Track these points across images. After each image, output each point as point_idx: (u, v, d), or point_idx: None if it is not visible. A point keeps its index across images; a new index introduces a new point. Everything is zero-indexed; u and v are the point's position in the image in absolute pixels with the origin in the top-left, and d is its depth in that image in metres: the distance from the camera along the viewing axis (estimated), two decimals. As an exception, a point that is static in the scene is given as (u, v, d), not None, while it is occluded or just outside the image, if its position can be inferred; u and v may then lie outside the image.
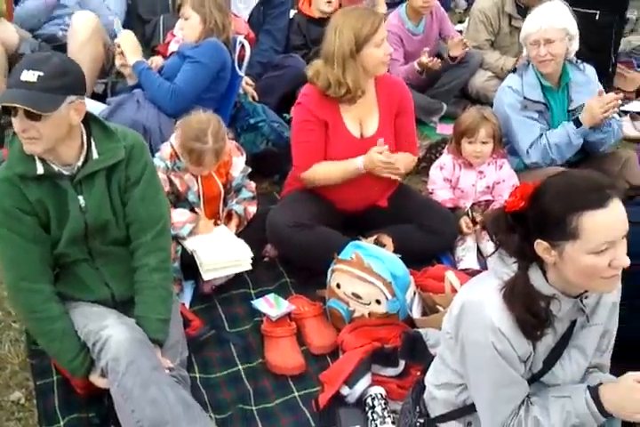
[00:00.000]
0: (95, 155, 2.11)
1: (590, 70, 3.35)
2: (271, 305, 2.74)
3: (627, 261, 1.60)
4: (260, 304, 2.74)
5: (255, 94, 3.83)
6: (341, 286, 2.58)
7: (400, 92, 3.01)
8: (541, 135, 3.22)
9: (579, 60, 3.34)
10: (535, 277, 1.68)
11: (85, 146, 2.11)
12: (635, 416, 1.65)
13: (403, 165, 2.90)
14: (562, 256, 1.61)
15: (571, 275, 1.63)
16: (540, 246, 1.63)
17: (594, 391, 1.70)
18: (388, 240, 2.75)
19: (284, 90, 4.00)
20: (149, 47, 4.08)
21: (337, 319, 2.63)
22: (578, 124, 3.18)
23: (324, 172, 2.92)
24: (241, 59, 3.46)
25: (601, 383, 1.73)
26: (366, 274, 2.49)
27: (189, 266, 2.79)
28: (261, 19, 4.13)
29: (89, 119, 2.12)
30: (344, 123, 2.91)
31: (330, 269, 2.64)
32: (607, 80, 4.12)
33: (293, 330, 2.63)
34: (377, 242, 2.73)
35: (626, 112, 4.35)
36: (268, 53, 4.09)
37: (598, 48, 4.15)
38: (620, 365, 1.90)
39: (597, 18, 4.16)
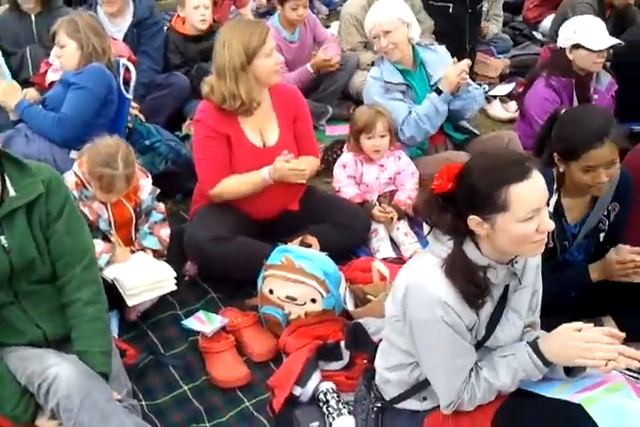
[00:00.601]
0: (12, 192, 2.03)
1: (441, 48, 3.64)
2: (203, 322, 2.73)
3: (552, 225, 1.77)
4: (192, 323, 2.73)
5: (141, 116, 3.80)
6: (274, 291, 2.62)
7: (295, 99, 3.09)
8: (410, 112, 3.44)
9: (427, 42, 3.65)
10: (470, 250, 1.81)
11: (0, 184, 2.04)
12: (576, 361, 1.81)
13: (309, 168, 2.99)
14: (494, 228, 1.75)
15: (504, 244, 1.77)
16: (473, 221, 1.76)
17: (534, 345, 1.86)
18: (313, 240, 2.83)
19: (172, 108, 4.01)
20: (19, 79, 3.94)
21: (273, 325, 2.66)
22: (439, 92, 3.41)
23: (232, 186, 2.95)
24: (126, 81, 3.43)
25: (538, 337, 1.89)
26: (299, 275, 2.55)
27: (111, 296, 2.73)
28: (136, 40, 4.11)
29: (0, 157, 2.04)
30: (245, 134, 2.96)
31: (260, 277, 2.67)
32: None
33: (232, 342, 2.64)
34: (302, 243, 2.79)
35: (495, 96, 4.69)
36: (148, 74, 4.08)
37: (455, 38, 4.44)
38: (548, 320, 2.07)
39: (451, 10, 4.45)
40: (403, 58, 3.49)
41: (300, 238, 2.83)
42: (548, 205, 2.38)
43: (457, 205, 1.79)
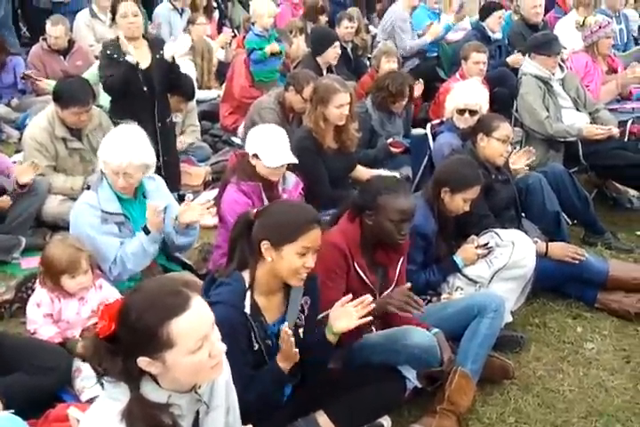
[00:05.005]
0: None
1: (157, 177, 3.58)
2: None
3: (223, 346, 1.72)
4: None
5: None
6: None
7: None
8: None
9: None
10: (149, 389, 1.71)
11: None
12: None
13: None
14: (166, 365, 1.66)
15: (181, 377, 1.70)
16: (143, 363, 1.66)
17: None
18: (-9, 399, 2.49)
19: None
20: None
21: None
22: (147, 232, 3.30)
23: None
24: None
25: None
26: (-25, 447, 2.21)
27: None
28: None
29: None
30: None
31: None
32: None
33: None
34: (-22, 405, 2.45)
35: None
36: None
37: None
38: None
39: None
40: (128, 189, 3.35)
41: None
42: (244, 307, 2.39)
43: (124, 347, 1.66)
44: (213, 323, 1.73)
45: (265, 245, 2.38)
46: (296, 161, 3.64)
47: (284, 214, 2.43)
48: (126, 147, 3.26)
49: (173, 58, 4.55)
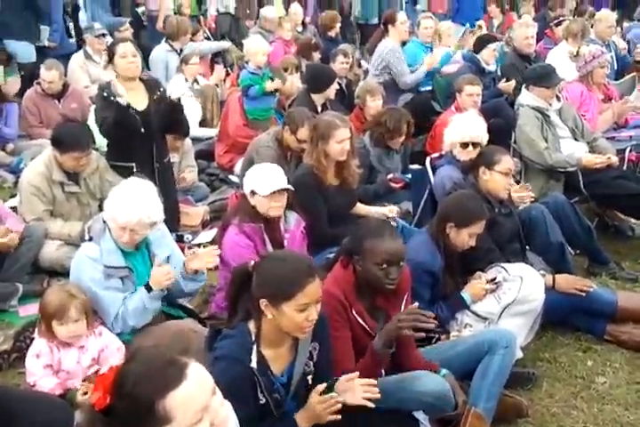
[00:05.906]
0: None
1: (162, 226, 3.47)
2: None
3: (224, 412, 1.63)
4: None
5: None
6: None
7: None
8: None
9: None
10: None
11: None
12: None
13: None
14: None
15: None
16: None
17: None
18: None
19: None
20: None
21: None
22: (149, 289, 3.20)
23: None
24: None
25: None
26: None
27: None
28: None
29: None
30: None
31: None
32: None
33: None
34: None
35: (199, 245, 4.67)
36: None
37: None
38: None
39: (136, 169, 4.44)
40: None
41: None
42: (250, 361, 2.32)
43: (120, 421, 1.57)
44: (214, 389, 1.63)
45: (263, 302, 2.32)
46: (291, 188, 3.62)
47: (278, 271, 2.33)
48: (137, 204, 3.15)
49: (178, 98, 4.57)
